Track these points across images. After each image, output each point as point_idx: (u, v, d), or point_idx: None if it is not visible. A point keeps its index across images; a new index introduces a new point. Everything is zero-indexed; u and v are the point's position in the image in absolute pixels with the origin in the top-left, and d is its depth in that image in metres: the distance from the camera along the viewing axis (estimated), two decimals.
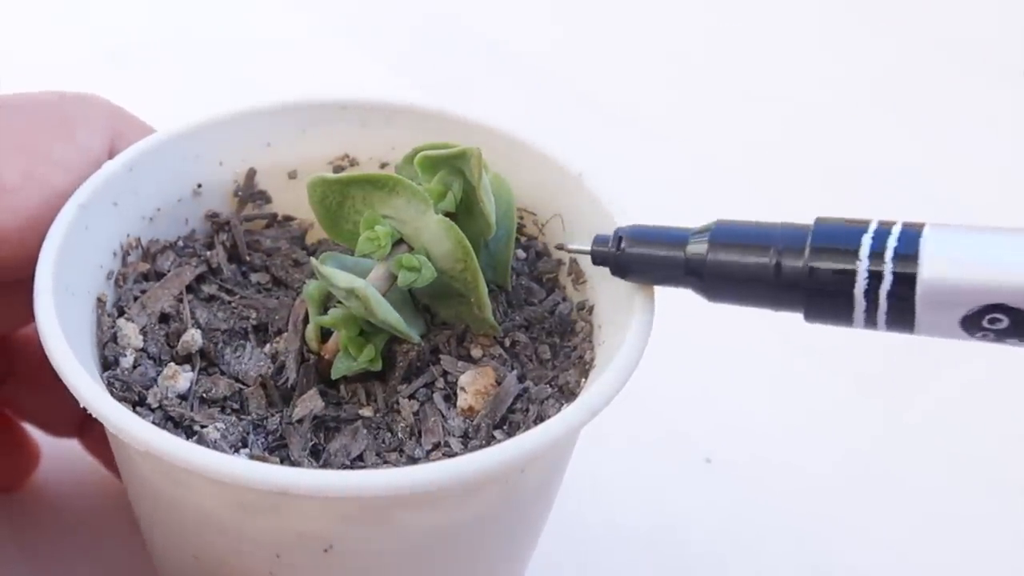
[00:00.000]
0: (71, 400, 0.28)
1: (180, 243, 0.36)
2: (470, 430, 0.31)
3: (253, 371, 0.32)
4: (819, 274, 0.27)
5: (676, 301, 0.32)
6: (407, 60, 0.66)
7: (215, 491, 0.28)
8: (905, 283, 0.26)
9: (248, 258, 0.36)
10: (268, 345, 0.34)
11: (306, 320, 0.34)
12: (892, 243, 0.26)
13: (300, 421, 0.31)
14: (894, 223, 0.27)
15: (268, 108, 0.36)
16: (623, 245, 0.31)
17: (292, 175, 0.37)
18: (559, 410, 0.31)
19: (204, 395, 0.32)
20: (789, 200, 0.52)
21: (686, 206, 0.52)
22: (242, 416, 0.32)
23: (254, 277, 0.36)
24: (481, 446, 0.31)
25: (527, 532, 0.33)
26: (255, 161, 0.37)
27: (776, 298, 0.28)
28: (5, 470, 0.40)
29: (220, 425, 0.30)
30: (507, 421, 0.32)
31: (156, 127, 0.35)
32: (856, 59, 0.68)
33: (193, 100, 0.37)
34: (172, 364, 0.32)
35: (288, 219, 0.38)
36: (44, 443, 0.41)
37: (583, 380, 0.32)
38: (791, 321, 0.29)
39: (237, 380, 0.32)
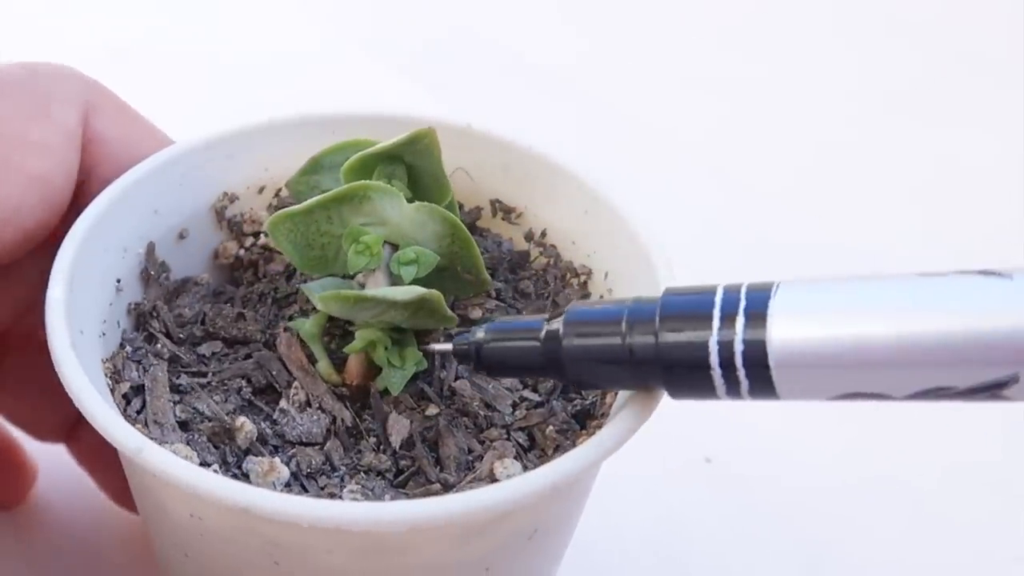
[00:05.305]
0: (60, 404, 0.28)
1: (127, 348, 0.32)
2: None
3: (316, 428, 0.31)
4: (670, 347, 0.25)
5: None
6: (424, 72, 0.61)
7: (438, 538, 0.27)
8: (758, 347, 0.24)
9: (183, 336, 0.33)
10: (284, 401, 0.32)
11: (311, 359, 0.32)
12: (741, 305, 0.25)
13: (405, 446, 0.31)
14: (740, 285, 0.25)
15: (149, 170, 0.32)
16: (482, 342, 0.29)
17: (183, 234, 0.34)
18: None
19: (308, 471, 0.29)
20: (799, 210, 0.55)
21: (704, 217, 0.54)
22: (335, 473, 0.30)
23: (203, 349, 0.33)
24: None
25: None
26: (150, 234, 0.33)
27: (637, 378, 0.27)
28: (3, 487, 0.38)
29: (354, 486, 0.29)
30: None
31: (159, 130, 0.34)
32: (894, 79, 0.66)
33: (206, 119, 0.32)
34: (262, 459, 0.29)
35: (187, 280, 0.34)
36: (45, 455, 0.39)
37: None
38: None
39: (309, 444, 0.30)
